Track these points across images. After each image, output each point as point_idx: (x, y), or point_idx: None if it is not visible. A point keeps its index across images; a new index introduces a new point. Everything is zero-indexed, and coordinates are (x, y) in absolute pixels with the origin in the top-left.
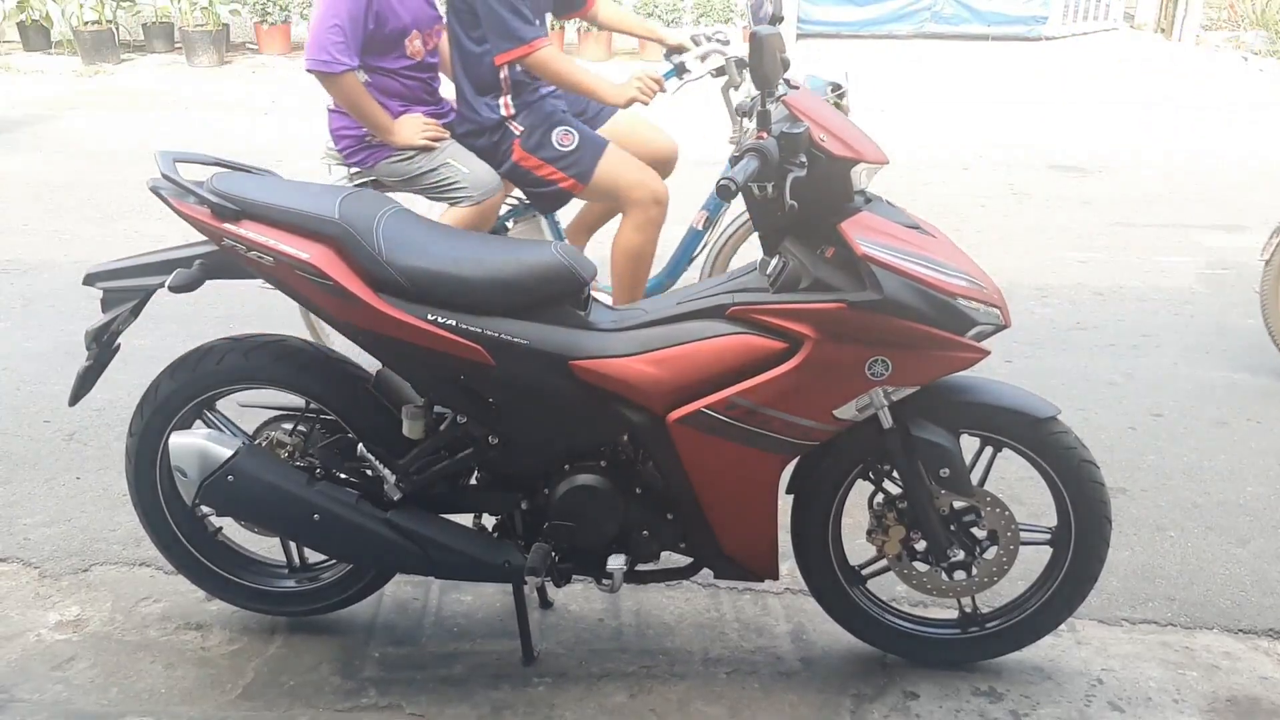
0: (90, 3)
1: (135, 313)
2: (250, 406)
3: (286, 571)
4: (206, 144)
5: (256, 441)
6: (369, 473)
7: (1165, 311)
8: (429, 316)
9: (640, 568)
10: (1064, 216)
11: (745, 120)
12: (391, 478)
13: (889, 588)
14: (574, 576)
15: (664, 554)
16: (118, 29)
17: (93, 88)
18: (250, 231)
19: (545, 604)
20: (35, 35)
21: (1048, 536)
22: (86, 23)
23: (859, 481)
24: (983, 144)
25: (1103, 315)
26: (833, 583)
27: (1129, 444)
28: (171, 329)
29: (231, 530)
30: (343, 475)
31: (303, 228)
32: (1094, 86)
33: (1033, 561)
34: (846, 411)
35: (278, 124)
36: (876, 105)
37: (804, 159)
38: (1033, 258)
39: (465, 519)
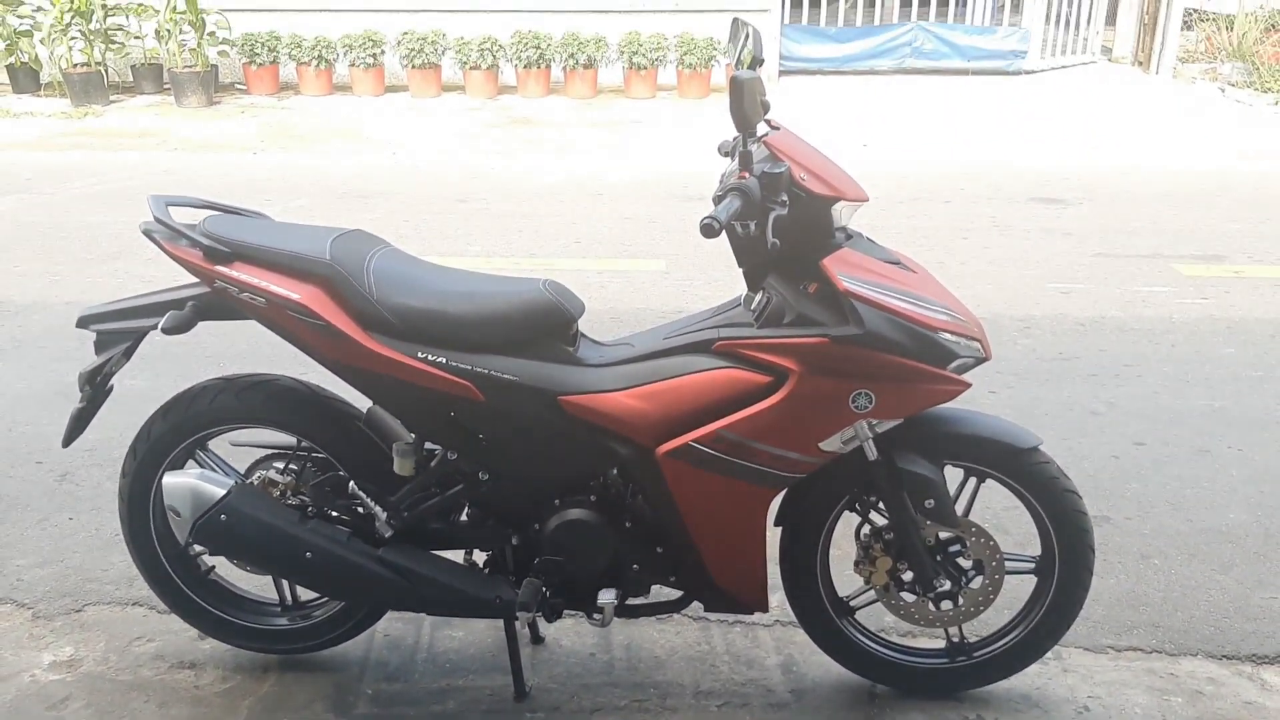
0: (79, 45)
1: (128, 354)
2: (242, 446)
3: (279, 610)
4: (195, 184)
5: (249, 480)
6: (360, 510)
7: (1146, 341)
8: (419, 354)
9: (631, 601)
10: (1045, 248)
11: (729, 159)
12: (383, 515)
13: (878, 618)
14: (565, 611)
15: (654, 588)
16: (106, 71)
17: (82, 129)
18: (242, 273)
19: (536, 639)
20: (24, 77)
21: (1032, 565)
22: (75, 65)
23: (846, 513)
24: (964, 177)
25: (1084, 345)
26: (822, 614)
27: (1112, 472)
28: (162, 369)
29: (224, 569)
30: (334, 513)
31: (294, 269)
32: (1073, 119)
33: (1018, 591)
34: (832, 444)
35: (266, 164)
36: (859, 140)
37: (785, 197)
38: (1015, 289)
39: (456, 555)
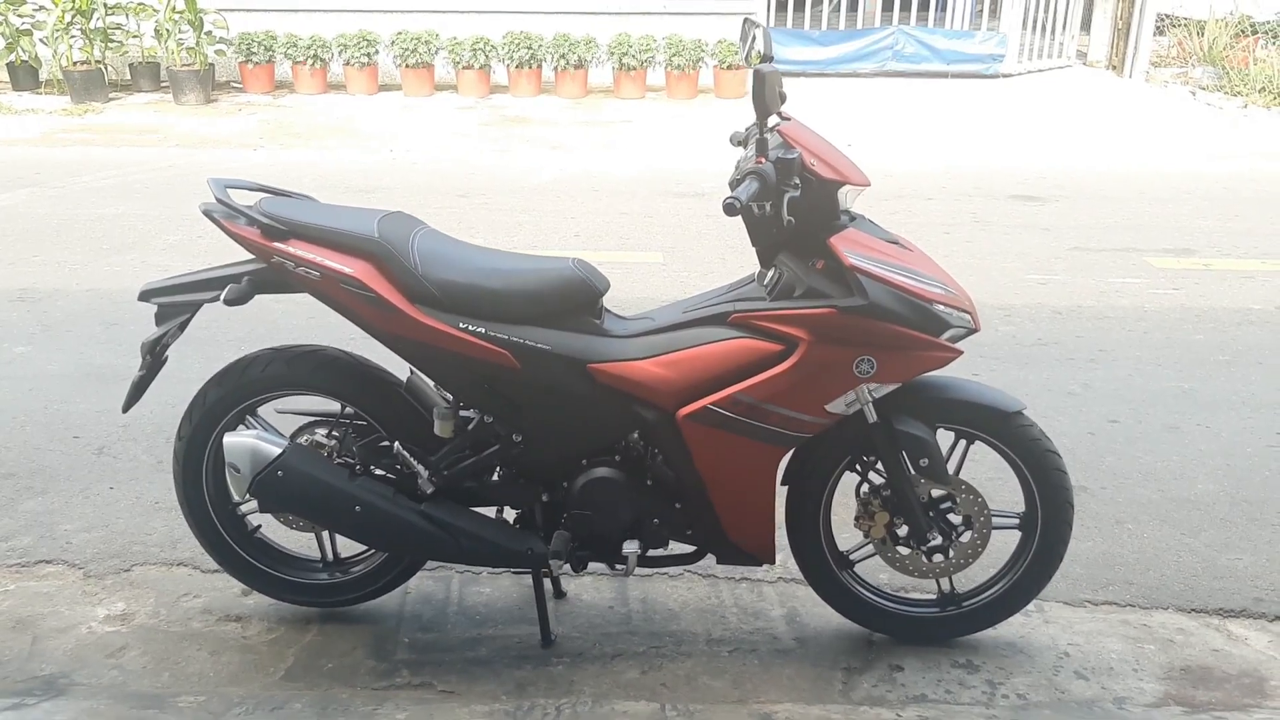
0: (79, 43)
1: (183, 327)
2: (286, 413)
3: (320, 565)
4: (199, 178)
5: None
6: (402, 469)
7: (1120, 328)
8: (460, 325)
9: (650, 553)
10: (1024, 242)
11: (741, 148)
12: (424, 473)
13: (874, 573)
14: (590, 563)
15: (670, 544)
16: (106, 69)
17: (84, 125)
18: (298, 249)
19: (559, 594)
20: (24, 75)
21: (1017, 521)
22: (75, 63)
23: (846, 473)
24: (945, 176)
25: (1062, 332)
26: (824, 567)
27: (1089, 447)
28: (186, 352)
29: (269, 529)
30: (379, 472)
31: (345, 245)
32: (1050, 120)
33: (1004, 547)
34: (836, 406)
35: (266, 160)
36: (844, 140)
37: (798, 181)
38: (996, 280)
39: (489, 512)
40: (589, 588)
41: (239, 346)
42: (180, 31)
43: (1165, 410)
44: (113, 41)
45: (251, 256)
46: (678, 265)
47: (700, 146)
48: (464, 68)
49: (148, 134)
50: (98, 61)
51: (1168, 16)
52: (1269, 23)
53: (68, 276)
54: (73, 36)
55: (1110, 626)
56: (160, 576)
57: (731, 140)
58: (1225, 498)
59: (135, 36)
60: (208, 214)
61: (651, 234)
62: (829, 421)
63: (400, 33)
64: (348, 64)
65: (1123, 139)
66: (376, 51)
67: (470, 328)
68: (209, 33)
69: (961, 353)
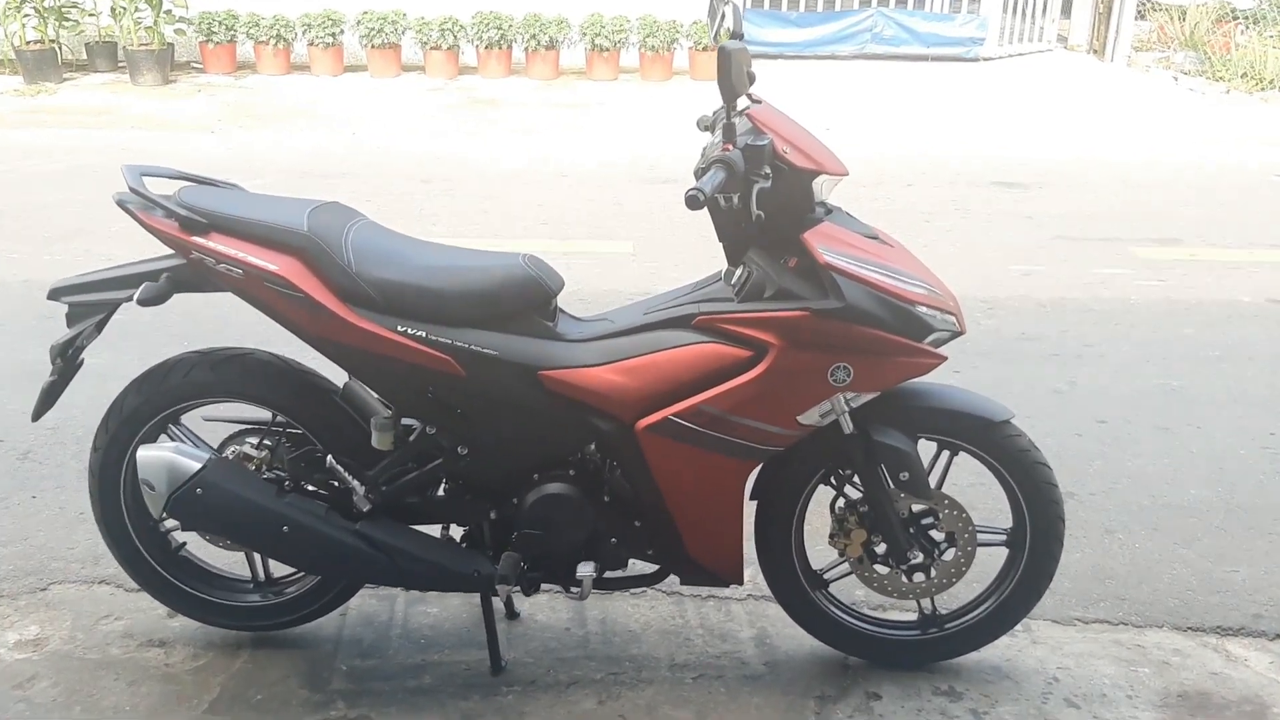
0: (32, 22)
1: (100, 328)
2: (215, 420)
3: (251, 586)
4: (153, 162)
5: (223, 455)
6: (337, 485)
7: (1106, 322)
8: (399, 328)
9: (608, 574)
10: (1006, 231)
11: (709, 133)
12: (360, 489)
13: (850, 591)
14: (542, 586)
15: (631, 562)
16: (60, 48)
17: (35, 106)
18: (219, 244)
19: (512, 615)
20: None
21: (1004, 538)
22: (29, 42)
23: (820, 487)
24: (925, 161)
25: (1046, 326)
26: (796, 587)
27: (1076, 450)
28: (124, 346)
29: (195, 546)
30: (311, 487)
31: (271, 240)
32: (1031, 105)
33: (989, 565)
34: (810, 417)
35: (224, 143)
36: (821, 124)
37: (768, 170)
38: (977, 271)
39: (433, 530)
40: (544, 607)
41: (184, 341)
42: (138, 9)
43: (1154, 410)
44: (68, 20)
45: (171, 251)
46: (649, 255)
47: (674, 130)
48: (432, 48)
49: (101, 115)
50: (52, 40)
51: (1148, 1)
52: (1249, 9)
53: (5, 267)
54: (26, 15)
55: (1102, 647)
56: (79, 596)
57: (698, 124)
58: (1219, 504)
59: (92, 15)
60: (121, 204)
61: (622, 222)
62: (801, 434)
63: (366, 12)
64: (312, 44)
65: (1105, 124)
66: (342, 31)
67: (410, 331)
68: (168, 11)
69: (945, 358)
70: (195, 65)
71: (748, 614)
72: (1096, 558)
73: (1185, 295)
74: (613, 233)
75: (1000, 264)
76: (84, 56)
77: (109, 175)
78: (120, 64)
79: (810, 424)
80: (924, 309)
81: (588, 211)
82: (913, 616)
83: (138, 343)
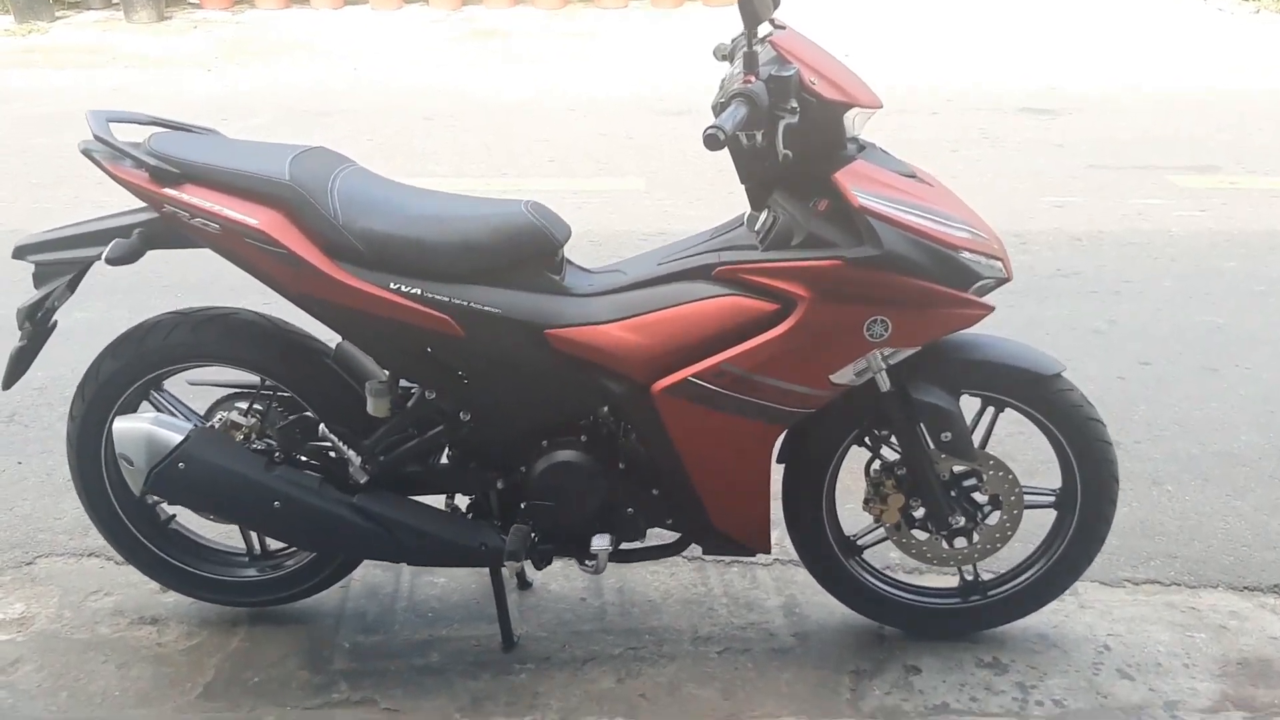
0: None
1: (72, 287)
2: (200, 385)
3: (247, 560)
4: (147, 102)
5: (209, 424)
6: (332, 454)
7: (1145, 256)
8: (391, 285)
9: (625, 546)
10: (1037, 160)
11: (727, 63)
12: (356, 459)
13: (884, 554)
14: (555, 558)
15: (650, 530)
16: None
17: (27, 46)
18: (193, 196)
19: (524, 585)
20: None
21: (1052, 499)
22: None
23: (854, 448)
24: (950, 88)
25: (1082, 261)
26: (827, 554)
27: (1119, 394)
28: (115, 300)
29: (186, 517)
30: (304, 458)
31: (251, 191)
32: (1057, 28)
33: (1036, 526)
34: (843, 376)
35: (220, 81)
36: (841, 49)
37: (795, 104)
38: (1008, 203)
39: (437, 501)
40: (558, 576)
41: (175, 295)
42: None
43: (1200, 350)
44: None
45: (143, 204)
46: (662, 192)
47: (688, 59)
48: None
49: (94, 54)
50: None
51: None
52: None
53: None
54: None
55: (1154, 611)
56: (67, 570)
57: (716, 54)
58: (1273, 451)
59: None
60: (87, 154)
61: (633, 157)
62: (834, 394)
63: None
64: None
65: (1132, 46)
66: None
67: (403, 289)
68: None
69: (992, 308)
70: (192, 1)
71: (774, 580)
72: (1145, 512)
73: (1227, 226)
74: (624, 168)
75: (1032, 195)
76: None
77: None
78: (114, 1)
79: (844, 383)
80: (968, 254)
81: (597, 146)
82: (953, 583)
83: (129, 296)
